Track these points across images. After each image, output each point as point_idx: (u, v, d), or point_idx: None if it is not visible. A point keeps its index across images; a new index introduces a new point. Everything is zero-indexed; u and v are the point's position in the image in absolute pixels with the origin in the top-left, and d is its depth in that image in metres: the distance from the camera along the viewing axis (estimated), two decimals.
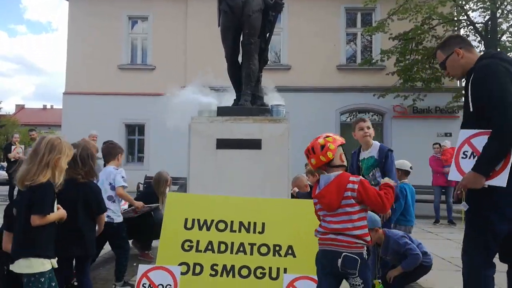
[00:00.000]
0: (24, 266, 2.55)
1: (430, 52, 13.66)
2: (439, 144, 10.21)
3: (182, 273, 3.48)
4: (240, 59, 4.90)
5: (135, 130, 17.39)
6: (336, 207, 2.58)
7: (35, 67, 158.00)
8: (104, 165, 4.44)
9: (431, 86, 13.98)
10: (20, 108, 52.02)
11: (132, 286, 3.83)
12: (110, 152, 4.41)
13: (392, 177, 3.90)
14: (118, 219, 4.15)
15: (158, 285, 3.37)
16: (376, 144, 4.39)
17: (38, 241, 2.61)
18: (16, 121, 41.46)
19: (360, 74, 16.03)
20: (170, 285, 3.41)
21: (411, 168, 5.04)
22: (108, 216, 3.77)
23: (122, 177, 4.23)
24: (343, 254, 2.52)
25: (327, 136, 2.68)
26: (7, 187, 10.90)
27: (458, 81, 15.56)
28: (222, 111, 4.66)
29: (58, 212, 2.78)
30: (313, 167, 2.74)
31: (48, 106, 50.88)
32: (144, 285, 3.39)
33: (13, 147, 9.69)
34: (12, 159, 9.36)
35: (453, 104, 13.99)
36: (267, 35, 5.02)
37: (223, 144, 4.39)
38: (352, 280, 2.55)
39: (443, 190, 9.73)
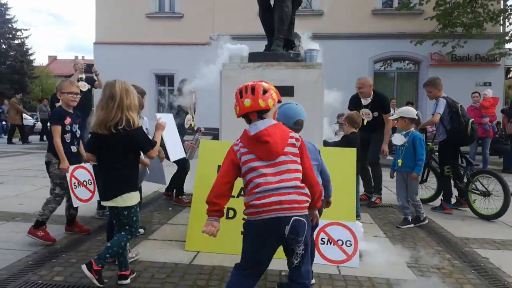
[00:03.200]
0: (126, 200, 2.85)
1: None
2: (478, 93, 9.77)
3: None
4: (272, 2, 4.70)
5: (165, 81, 17.45)
6: (280, 153, 2.12)
7: (66, 18, 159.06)
8: None
9: (472, 32, 13.16)
10: (52, 59, 52.86)
11: None
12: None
13: None
14: None
15: None
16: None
17: (134, 177, 2.94)
18: (49, 73, 42.34)
19: (397, 19, 15.22)
20: None
21: (417, 115, 4.76)
22: None
23: (146, 128, 3.69)
24: (293, 218, 2.06)
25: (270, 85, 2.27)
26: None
27: (502, 27, 14.61)
28: (253, 57, 4.55)
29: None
30: (240, 111, 2.22)
31: (80, 57, 51.50)
32: None
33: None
34: None
35: (495, 51, 13.17)
36: None
37: None
38: (296, 248, 2.11)
39: (479, 142, 9.41)
